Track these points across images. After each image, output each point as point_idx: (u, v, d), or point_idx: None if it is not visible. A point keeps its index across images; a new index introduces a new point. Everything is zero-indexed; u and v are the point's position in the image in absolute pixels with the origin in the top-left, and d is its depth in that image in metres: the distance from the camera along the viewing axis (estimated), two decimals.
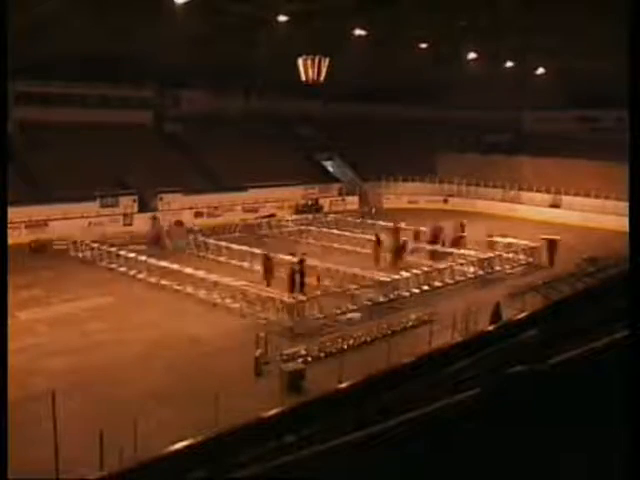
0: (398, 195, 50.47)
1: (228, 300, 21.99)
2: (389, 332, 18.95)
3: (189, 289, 23.46)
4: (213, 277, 23.21)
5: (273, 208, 43.46)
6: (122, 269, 26.88)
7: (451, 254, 28.28)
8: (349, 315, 20.72)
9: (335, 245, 31.46)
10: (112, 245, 29.04)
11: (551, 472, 1.13)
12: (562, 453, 1.18)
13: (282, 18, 34.76)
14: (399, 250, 28.45)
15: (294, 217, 40.32)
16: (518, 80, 45.71)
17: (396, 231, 30.22)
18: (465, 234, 31.60)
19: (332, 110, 56.12)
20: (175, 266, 24.88)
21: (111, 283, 25.61)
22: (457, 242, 30.24)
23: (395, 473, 1.67)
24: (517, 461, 1.12)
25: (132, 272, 26.33)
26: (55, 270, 27.36)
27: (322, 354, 17.24)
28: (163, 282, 24.53)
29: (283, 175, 45.42)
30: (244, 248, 28.17)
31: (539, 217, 42.36)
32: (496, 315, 17.61)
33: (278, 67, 41.05)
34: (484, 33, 38.32)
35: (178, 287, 23.83)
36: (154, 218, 36.02)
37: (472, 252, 28.10)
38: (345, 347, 17.70)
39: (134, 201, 39.60)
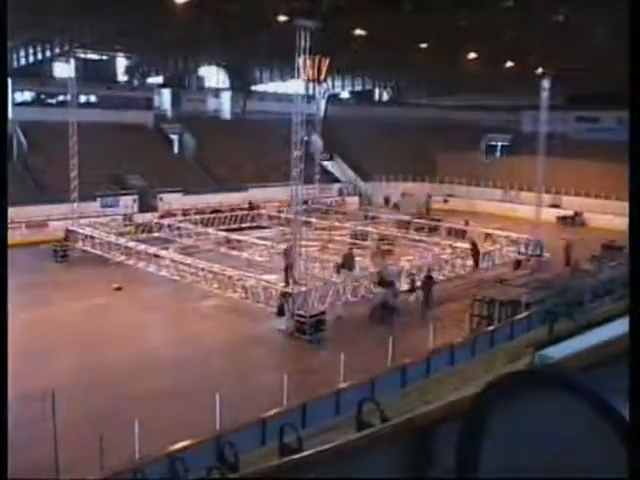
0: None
1: None
2: None
3: None
4: None
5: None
6: None
7: None
8: None
9: None
10: None
11: (551, 472, 1.13)
12: (562, 453, 1.18)
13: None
14: None
15: None
16: (518, 80, 45.70)
17: None
18: None
19: (332, 111, 56.29)
20: None
21: None
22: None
23: (395, 473, 1.66)
24: (516, 461, 1.12)
25: None
26: None
27: None
28: None
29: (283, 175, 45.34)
30: None
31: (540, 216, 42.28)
32: None
33: None
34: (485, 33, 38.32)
35: None
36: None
37: None
38: None
39: (134, 201, 39.60)
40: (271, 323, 21.68)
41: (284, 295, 22.06)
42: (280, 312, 21.83)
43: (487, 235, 32.38)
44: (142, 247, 29.29)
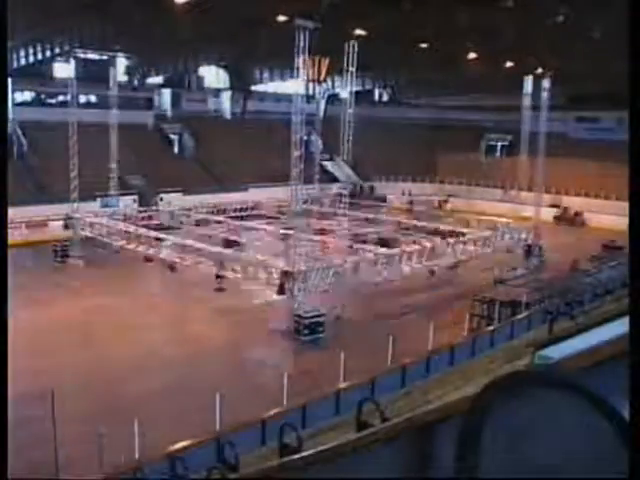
0: (398, 195, 50.35)
1: None
2: None
3: None
4: None
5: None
6: None
7: None
8: None
9: None
10: None
11: (551, 472, 1.12)
12: (562, 452, 1.18)
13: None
14: None
15: None
16: (518, 80, 45.69)
17: None
18: None
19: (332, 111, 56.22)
20: None
21: None
22: None
23: (395, 473, 1.66)
24: (516, 460, 1.11)
25: None
26: None
27: None
28: None
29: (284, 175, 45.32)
30: None
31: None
32: None
33: None
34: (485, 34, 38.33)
35: None
36: None
37: None
38: None
39: (134, 201, 39.57)
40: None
41: (285, 274, 21.91)
42: (280, 291, 21.71)
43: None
44: (142, 230, 29.60)
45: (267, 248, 27.26)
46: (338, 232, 33.42)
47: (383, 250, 26.30)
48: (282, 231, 28.46)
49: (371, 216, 36.65)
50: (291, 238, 23.76)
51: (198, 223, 34.63)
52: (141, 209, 37.57)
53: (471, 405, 1.13)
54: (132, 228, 30.61)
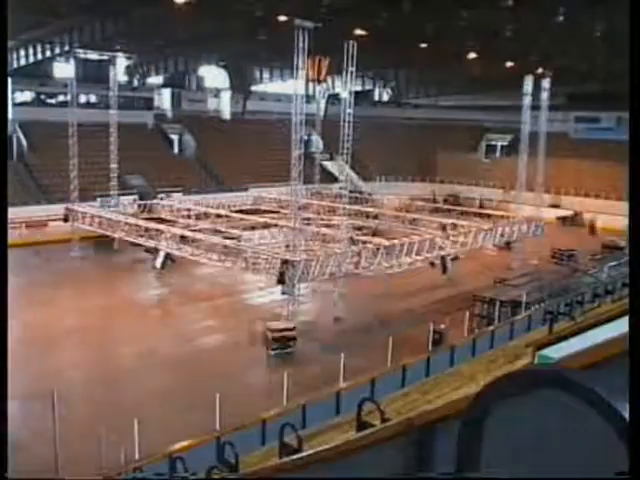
0: (398, 195, 50.27)
1: None
2: None
3: None
4: None
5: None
6: None
7: None
8: None
9: None
10: None
11: (550, 472, 1.12)
12: (561, 452, 1.18)
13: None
14: None
15: None
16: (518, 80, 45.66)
17: None
18: None
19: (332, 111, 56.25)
20: None
21: None
22: None
23: (395, 474, 1.66)
24: (515, 460, 1.11)
25: None
26: None
27: None
28: None
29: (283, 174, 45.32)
30: None
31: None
32: None
33: None
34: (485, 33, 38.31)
35: None
36: None
37: None
38: None
39: (134, 201, 39.56)
40: None
41: (285, 263, 21.71)
42: (281, 280, 21.60)
43: None
44: (141, 223, 29.49)
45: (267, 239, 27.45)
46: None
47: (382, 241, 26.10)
48: (282, 223, 28.57)
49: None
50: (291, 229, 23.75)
51: (198, 217, 34.57)
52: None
53: (471, 405, 1.13)
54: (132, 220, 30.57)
